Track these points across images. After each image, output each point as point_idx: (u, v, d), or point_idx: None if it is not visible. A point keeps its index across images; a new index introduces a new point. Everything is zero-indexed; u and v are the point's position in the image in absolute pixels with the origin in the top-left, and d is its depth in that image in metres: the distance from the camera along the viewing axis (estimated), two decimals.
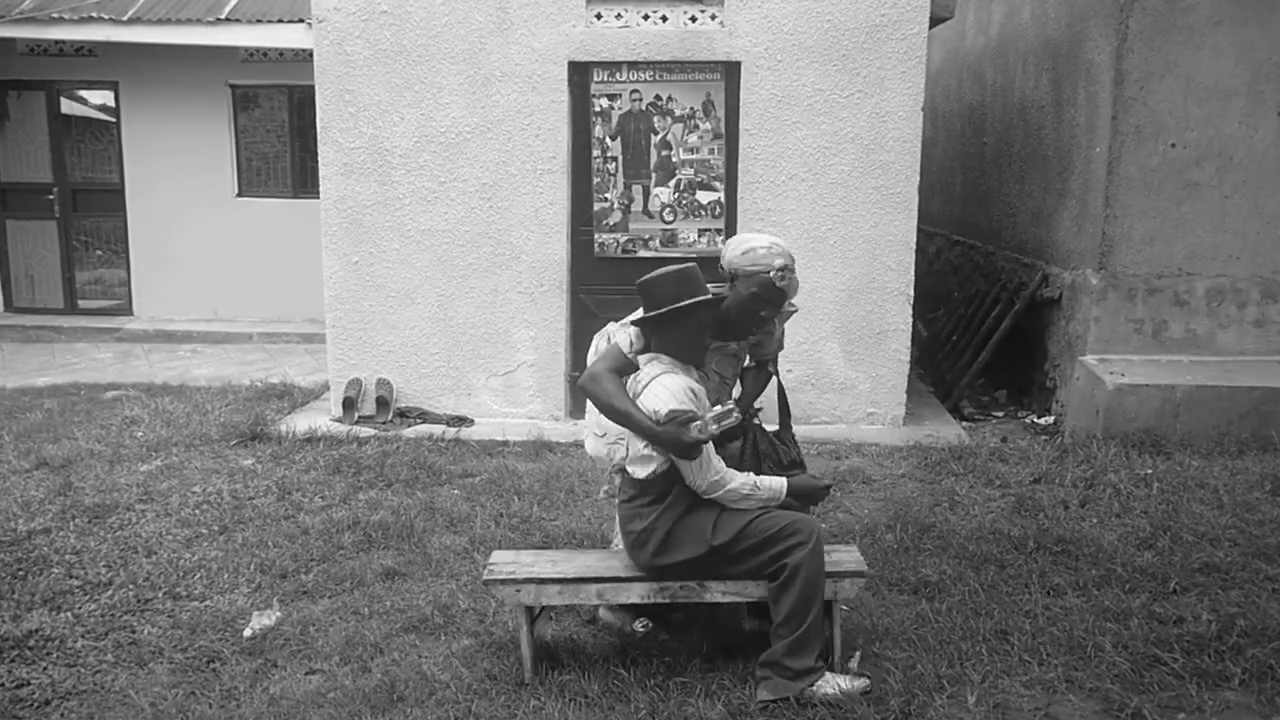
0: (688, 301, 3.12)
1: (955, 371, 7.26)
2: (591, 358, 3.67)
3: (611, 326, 3.65)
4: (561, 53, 6.16)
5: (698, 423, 3.04)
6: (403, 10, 6.16)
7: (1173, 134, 5.90)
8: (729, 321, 3.34)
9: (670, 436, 3.04)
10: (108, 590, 4.05)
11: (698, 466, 3.12)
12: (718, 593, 3.24)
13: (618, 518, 3.38)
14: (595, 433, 3.58)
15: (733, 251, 3.33)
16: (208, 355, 9.07)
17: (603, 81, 6.23)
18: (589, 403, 3.64)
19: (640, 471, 3.18)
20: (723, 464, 3.19)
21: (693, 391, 3.13)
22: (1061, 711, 3.10)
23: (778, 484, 3.21)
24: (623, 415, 3.13)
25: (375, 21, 6.18)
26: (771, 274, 3.26)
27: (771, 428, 3.60)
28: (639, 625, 3.60)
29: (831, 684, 3.10)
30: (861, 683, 3.13)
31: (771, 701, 3.08)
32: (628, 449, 3.24)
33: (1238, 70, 5.82)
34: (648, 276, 3.20)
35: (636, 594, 3.28)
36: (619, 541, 3.52)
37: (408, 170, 6.32)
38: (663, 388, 3.10)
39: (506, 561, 3.40)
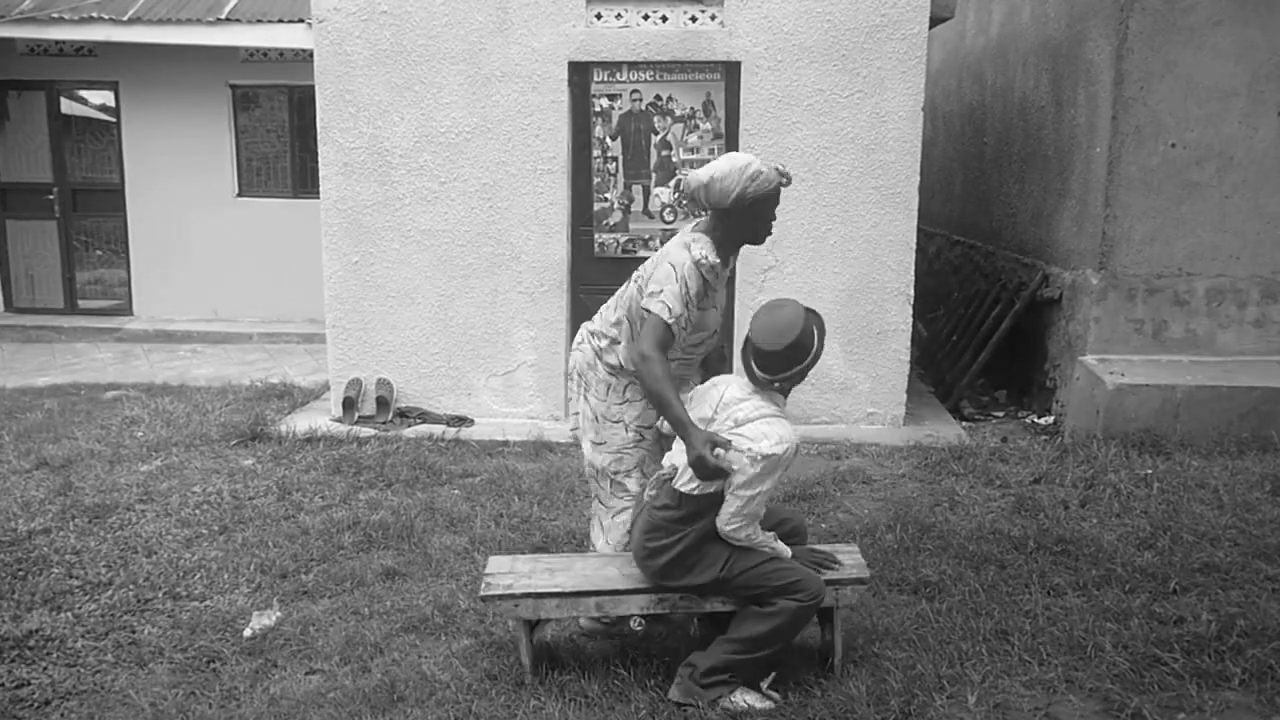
0: (818, 340, 3.10)
1: (955, 371, 7.26)
2: (578, 355, 3.51)
3: (589, 325, 3.52)
4: (561, 53, 6.16)
5: (733, 455, 2.96)
6: (403, 10, 6.16)
7: (1173, 134, 5.90)
8: (755, 236, 3.30)
9: (703, 439, 2.96)
10: (108, 590, 4.05)
11: (740, 523, 3.04)
12: (717, 603, 3.22)
13: (640, 519, 3.29)
14: (593, 440, 3.48)
15: (736, 181, 3.14)
16: (208, 355, 9.08)
17: (603, 81, 6.23)
18: (584, 412, 3.50)
19: (688, 485, 3.07)
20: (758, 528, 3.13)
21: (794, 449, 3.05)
22: (1061, 711, 3.10)
23: (785, 552, 3.19)
24: (664, 404, 3.06)
25: (375, 21, 6.18)
26: (783, 182, 3.22)
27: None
28: (635, 624, 3.60)
29: (740, 698, 3.10)
30: (768, 704, 3.12)
31: (680, 704, 3.09)
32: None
33: (1238, 70, 5.82)
34: (790, 342, 3.01)
35: (636, 605, 3.25)
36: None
37: (408, 170, 6.32)
38: (774, 430, 2.98)
39: (503, 572, 3.36)
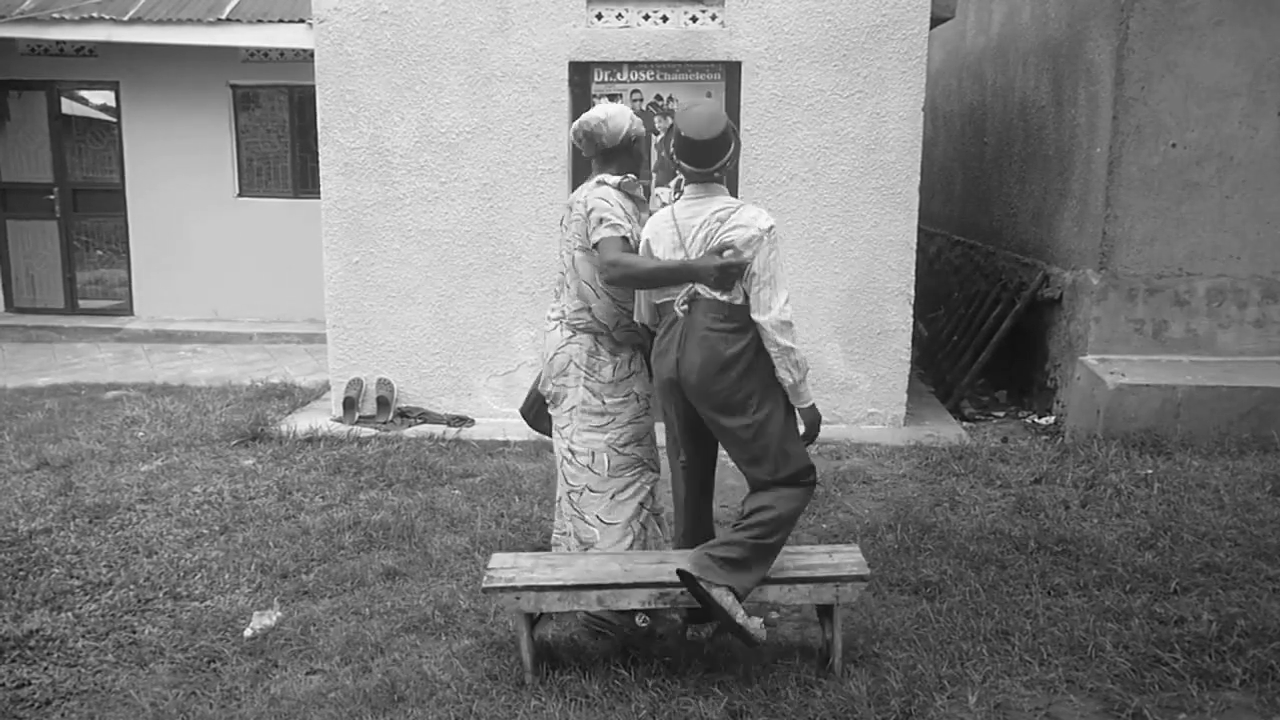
0: (733, 126, 3.30)
1: (956, 371, 7.26)
2: (572, 348, 3.54)
3: (566, 322, 3.61)
4: (562, 53, 6.16)
5: (737, 245, 3.11)
6: (403, 10, 6.16)
7: (1173, 134, 5.91)
8: (638, 169, 3.66)
9: (705, 257, 3.13)
10: (108, 590, 4.05)
11: (769, 292, 3.11)
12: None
13: (688, 347, 3.19)
14: (596, 424, 3.55)
15: (624, 119, 3.54)
16: (208, 355, 9.08)
17: (603, 81, 6.23)
18: (585, 401, 3.53)
19: (725, 296, 3.15)
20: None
21: None
22: (1062, 711, 3.10)
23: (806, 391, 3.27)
24: (658, 272, 3.21)
25: (376, 21, 6.19)
26: (640, 122, 3.62)
27: None
28: (639, 621, 3.60)
29: (741, 612, 3.13)
30: (761, 633, 3.16)
31: (690, 576, 3.08)
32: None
33: (1238, 70, 5.82)
34: (722, 128, 3.21)
35: (637, 600, 3.26)
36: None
37: (408, 170, 6.32)
38: (757, 210, 3.19)
39: (506, 566, 3.37)
